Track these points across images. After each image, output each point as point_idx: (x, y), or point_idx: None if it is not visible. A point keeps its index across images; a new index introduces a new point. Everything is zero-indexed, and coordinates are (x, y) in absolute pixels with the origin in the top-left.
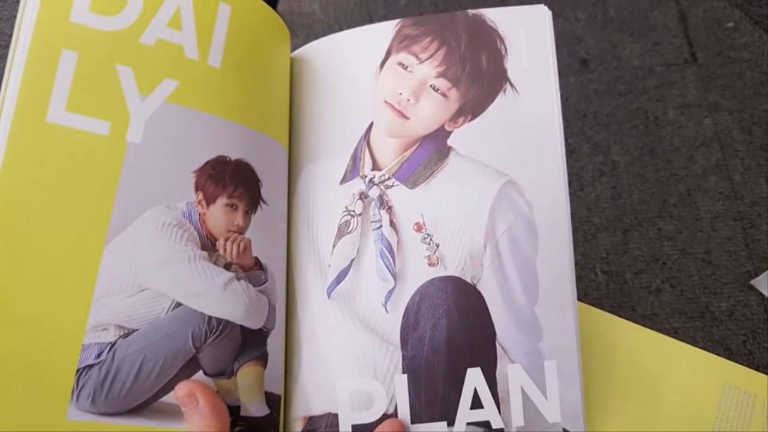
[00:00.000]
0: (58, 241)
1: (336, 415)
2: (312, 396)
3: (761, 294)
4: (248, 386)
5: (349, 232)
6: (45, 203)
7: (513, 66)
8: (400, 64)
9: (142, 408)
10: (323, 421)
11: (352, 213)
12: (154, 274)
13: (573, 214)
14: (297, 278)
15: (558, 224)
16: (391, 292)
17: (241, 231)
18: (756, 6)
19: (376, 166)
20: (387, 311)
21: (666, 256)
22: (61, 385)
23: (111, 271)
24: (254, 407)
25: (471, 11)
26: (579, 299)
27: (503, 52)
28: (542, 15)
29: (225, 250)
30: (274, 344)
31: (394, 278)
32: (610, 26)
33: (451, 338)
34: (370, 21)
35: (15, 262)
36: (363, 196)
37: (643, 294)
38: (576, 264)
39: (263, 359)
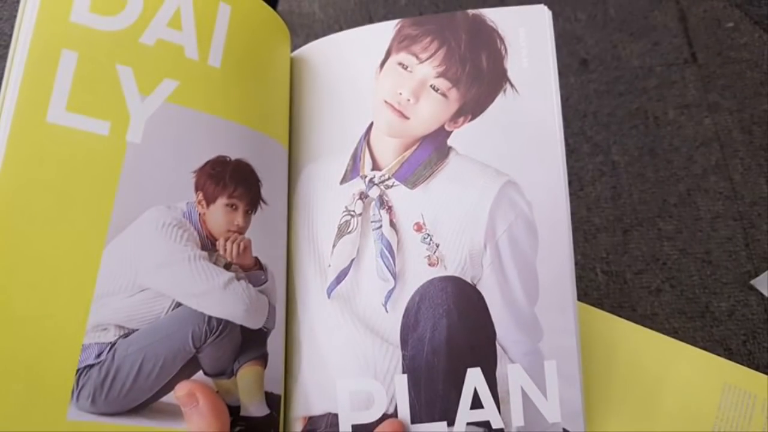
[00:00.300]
0: (58, 241)
1: (336, 415)
2: (312, 396)
3: (761, 294)
4: (248, 386)
5: (349, 232)
6: (45, 203)
7: (513, 66)
8: (400, 64)
9: (142, 408)
10: (323, 421)
11: (352, 213)
12: (154, 274)
13: (573, 214)
14: (297, 278)
15: (558, 224)
16: (391, 292)
17: (241, 231)
18: (756, 6)
19: (376, 166)
20: (387, 311)
21: (666, 256)
22: (61, 385)
23: (111, 271)
24: (254, 407)
25: (471, 11)
26: (579, 299)
27: (503, 52)
28: (542, 15)
29: (225, 250)
30: (274, 344)
31: (394, 278)
32: (610, 26)
33: (451, 338)
34: (370, 21)
35: (15, 262)
36: (363, 196)
37: (643, 294)
38: (576, 264)
39: (263, 359)
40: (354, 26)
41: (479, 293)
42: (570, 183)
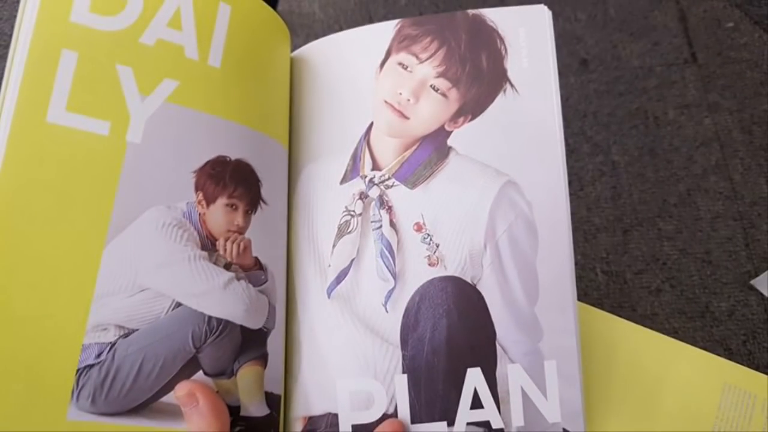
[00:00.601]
0: (58, 241)
1: (336, 415)
2: (312, 396)
3: (761, 294)
4: (248, 386)
5: (349, 232)
6: (45, 203)
7: (513, 66)
8: (400, 64)
9: (142, 408)
10: (323, 421)
11: (352, 213)
12: (154, 274)
13: (573, 214)
14: (297, 278)
15: (558, 224)
16: (391, 292)
17: (241, 231)
18: (756, 6)
19: (376, 166)
20: (387, 311)
21: (666, 256)
22: (61, 385)
23: (111, 271)
24: (254, 407)
25: (471, 11)
26: (579, 299)
27: (503, 52)
28: (542, 15)
29: (225, 250)
30: (274, 344)
31: (394, 278)
32: (610, 26)
33: (451, 338)
34: (370, 21)
35: (15, 262)
36: (363, 196)
37: (643, 294)
38: (576, 264)
39: (263, 359)
40: (354, 26)
41: (479, 293)
42: (570, 183)
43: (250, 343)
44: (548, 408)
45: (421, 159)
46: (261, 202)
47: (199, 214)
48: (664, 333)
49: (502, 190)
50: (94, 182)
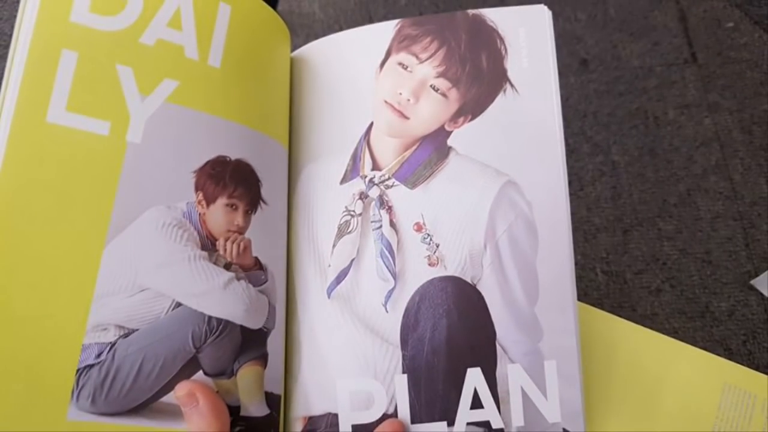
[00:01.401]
0: (58, 241)
1: (336, 415)
2: (312, 396)
3: (761, 294)
4: (248, 386)
5: (349, 232)
6: (45, 203)
7: (513, 66)
8: (400, 64)
9: (142, 408)
10: (323, 421)
11: (352, 213)
12: (154, 274)
13: (573, 214)
14: (297, 278)
15: (558, 224)
16: (391, 292)
17: (241, 231)
18: (756, 6)
19: (376, 166)
20: (387, 311)
21: (666, 256)
22: (61, 385)
23: (111, 271)
24: (254, 407)
25: (471, 11)
26: (579, 299)
27: (503, 52)
28: (542, 15)
29: (225, 250)
30: (274, 344)
31: (394, 278)
32: (610, 26)
33: (451, 338)
34: (370, 21)
35: (15, 262)
36: (363, 196)
37: (643, 294)
38: (576, 264)
39: (263, 359)
40: (354, 26)
41: (479, 293)
42: (570, 183)
43: (250, 343)
44: (548, 408)
45: (421, 159)
46: (261, 202)
47: (199, 214)
48: (664, 333)
49: (502, 190)
50: (94, 182)
